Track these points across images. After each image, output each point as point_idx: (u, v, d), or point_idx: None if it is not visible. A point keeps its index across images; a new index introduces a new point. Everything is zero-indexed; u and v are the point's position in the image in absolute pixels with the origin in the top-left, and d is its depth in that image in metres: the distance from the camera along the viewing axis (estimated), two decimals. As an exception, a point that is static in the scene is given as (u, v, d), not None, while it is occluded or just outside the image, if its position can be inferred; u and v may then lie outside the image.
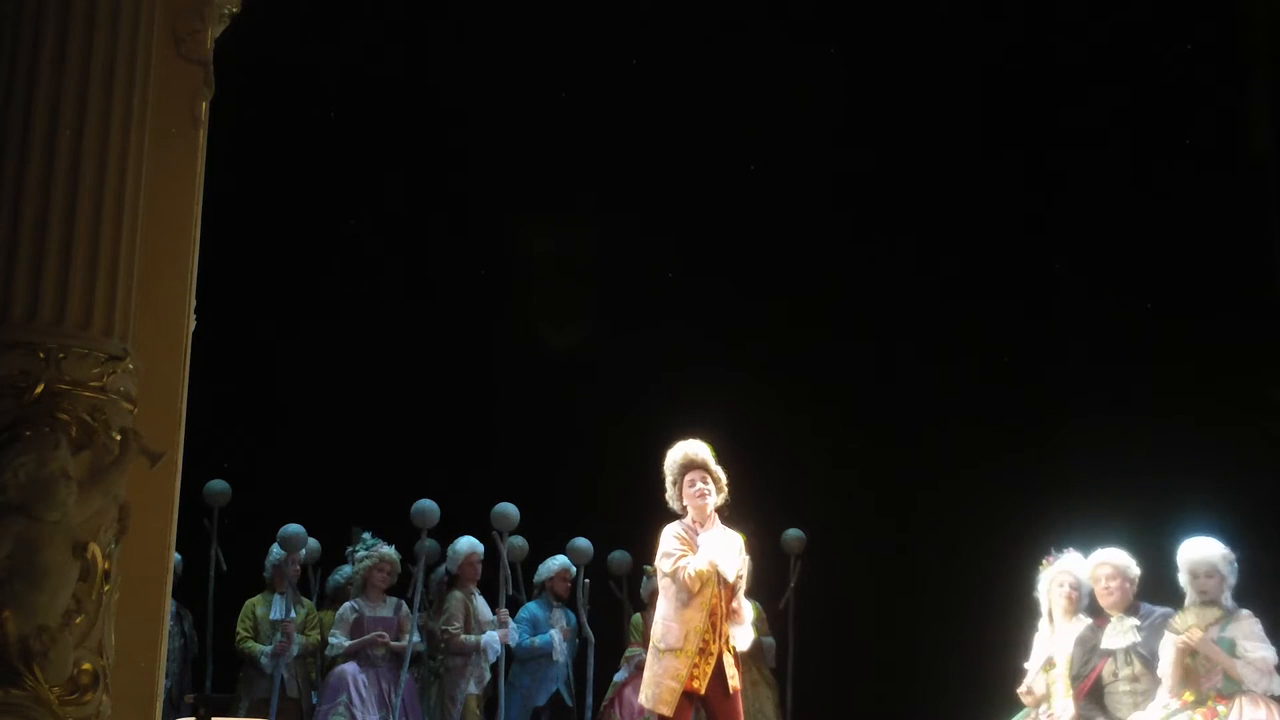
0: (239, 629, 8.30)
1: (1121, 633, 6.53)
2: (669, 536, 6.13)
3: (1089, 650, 6.60)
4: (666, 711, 5.90)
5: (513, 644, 8.59)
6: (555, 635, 8.71)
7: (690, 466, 6.19)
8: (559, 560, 8.95)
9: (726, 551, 6.11)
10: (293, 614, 8.32)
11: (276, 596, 8.38)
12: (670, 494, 6.25)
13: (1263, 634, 6.23)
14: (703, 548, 6.04)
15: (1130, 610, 6.59)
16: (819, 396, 9.56)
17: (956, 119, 9.54)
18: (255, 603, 8.38)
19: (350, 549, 8.51)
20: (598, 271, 9.85)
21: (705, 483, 6.16)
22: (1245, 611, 6.29)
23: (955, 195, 9.50)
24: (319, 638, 8.43)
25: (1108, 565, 6.65)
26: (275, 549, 8.36)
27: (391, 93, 9.50)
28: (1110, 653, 6.52)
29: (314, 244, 9.46)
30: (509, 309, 9.90)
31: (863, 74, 9.50)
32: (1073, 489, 8.52)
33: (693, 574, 5.96)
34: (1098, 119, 9.21)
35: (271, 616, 8.33)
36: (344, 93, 9.50)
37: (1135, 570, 6.63)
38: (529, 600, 8.92)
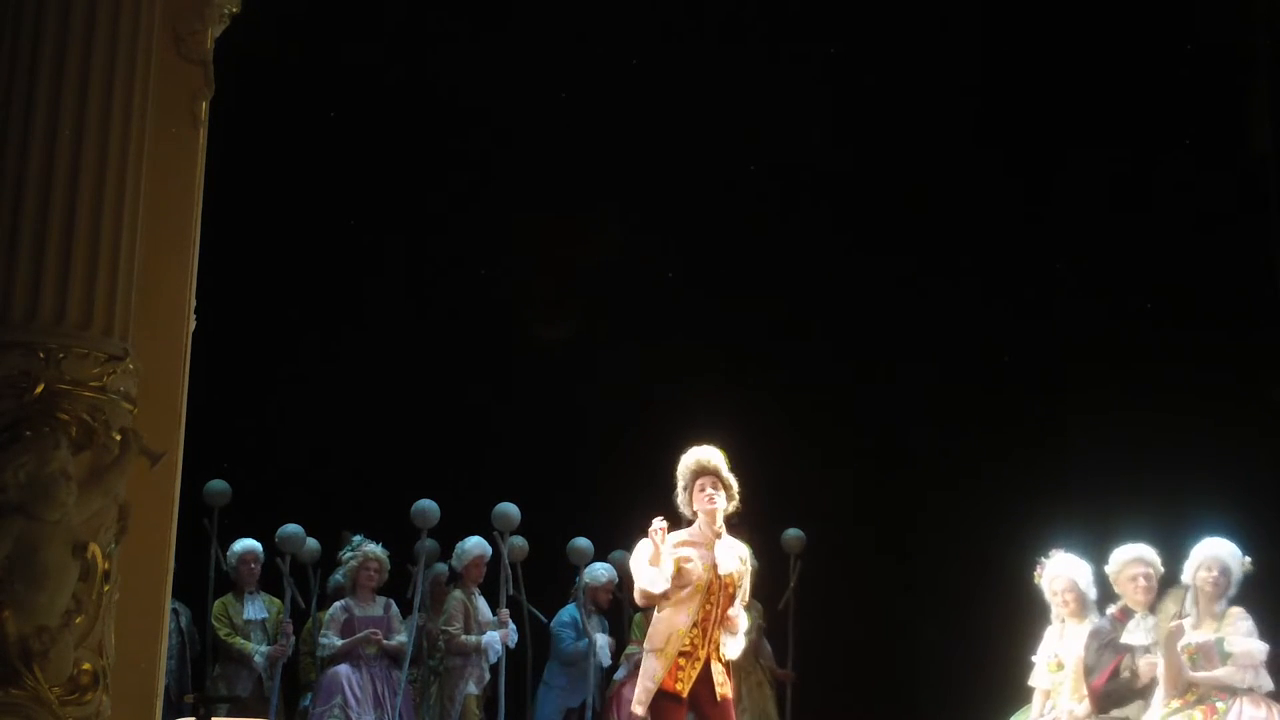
0: (218, 626, 8.27)
1: (1145, 630, 6.51)
2: (639, 550, 6.08)
3: (1105, 645, 6.59)
4: (639, 711, 5.92)
5: (512, 644, 8.59)
6: (603, 640, 8.70)
7: (702, 472, 6.13)
8: (606, 571, 8.93)
9: (728, 557, 6.09)
10: (265, 614, 8.34)
11: (247, 596, 8.38)
12: (681, 499, 6.17)
13: (1252, 629, 6.25)
14: (665, 562, 5.94)
15: (1154, 609, 6.58)
16: (819, 396, 9.55)
17: (956, 120, 9.53)
18: (226, 602, 8.34)
19: (341, 553, 8.50)
20: (598, 272, 9.84)
21: (716, 489, 6.10)
22: (1236, 609, 6.31)
23: (955, 196, 9.49)
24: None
25: (1141, 563, 6.63)
26: (234, 549, 8.36)
27: (391, 92, 9.49)
28: (1129, 648, 6.52)
29: (314, 244, 9.45)
30: (510, 309, 9.89)
31: (863, 75, 9.50)
32: (1072, 489, 8.52)
33: (637, 590, 5.99)
34: (1098, 118, 9.20)
35: (245, 616, 8.32)
36: (344, 92, 9.50)
37: (1161, 568, 6.64)
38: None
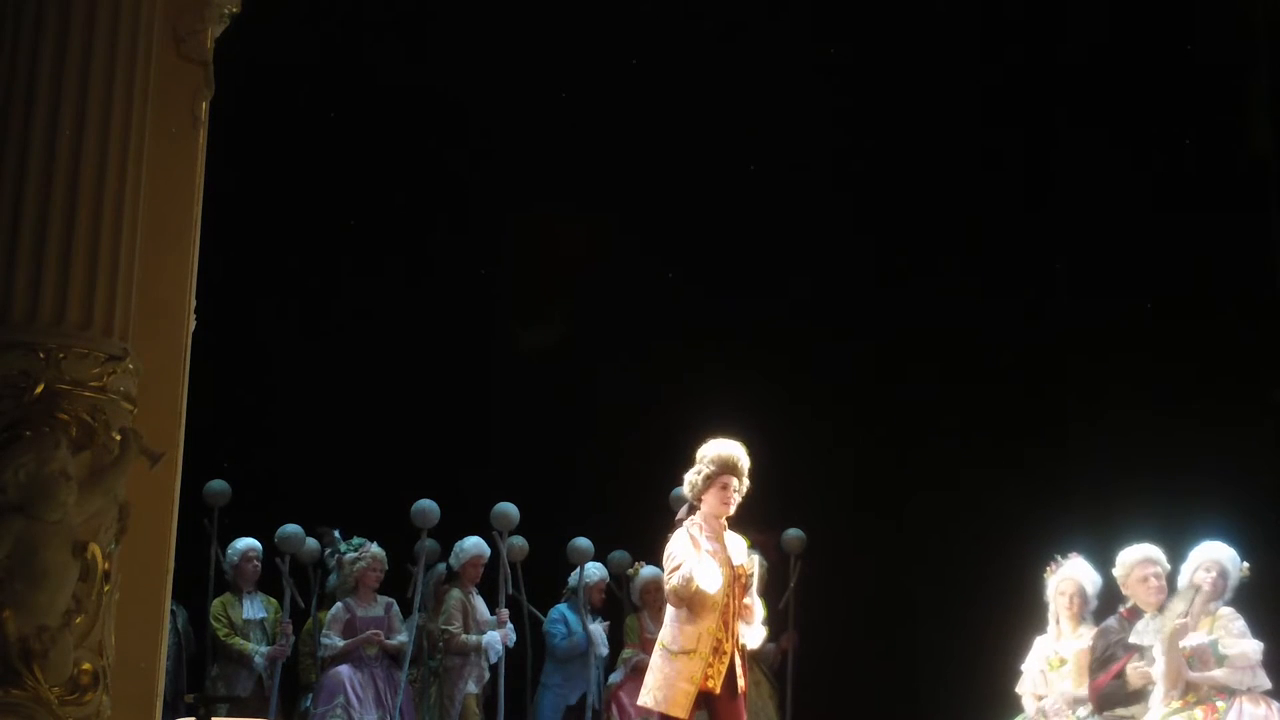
0: (217, 626, 8.27)
1: (1155, 630, 6.47)
2: (678, 542, 5.99)
3: (1114, 643, 6.58)
4: (680, 714, 5.83)
5: (511, 644, 8.58)
6: (597, 629, 8.69)
7: (733, 469, 6.08)
8: (598, 570, 8.93)
9: (736, 548, 6.09)
10: (264, 614, 8.34)
11: (246, 595, 8.39)
12: (694, 482, 6.08)
13: (1244, 629, 6.24)
14: (704, 560, 5.88)
15: (1163, 609, 6.55)
16: (819, 396, 9.55)
17: (957, 119, 9.53)
18: (225, 601, 8.34)
19: (329, 551, 8.48)
20: (598, 272, 9.83)
21: (737, 490, 6.11)
22: (1228, 610, 6.30)
23: (955, 195, 9.49)
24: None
25: (1150, 562, 6.61)
26: (231, 549, 8.36)
27: (391, 92, 9.49)
28: (1139, 648, 6.50)
29: (314, 244, 9.45)
30: (509, 309, 9.89)
31: (862, 73, 9.49)
32: (1072, 490, 8.51)
33: (679, 582, 5.83)
34: (1098, 118, 9.20)
35: (245, 616, 8.32)
36: (344, 92, 9.50)
37: (1168, 566, 6.62)
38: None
